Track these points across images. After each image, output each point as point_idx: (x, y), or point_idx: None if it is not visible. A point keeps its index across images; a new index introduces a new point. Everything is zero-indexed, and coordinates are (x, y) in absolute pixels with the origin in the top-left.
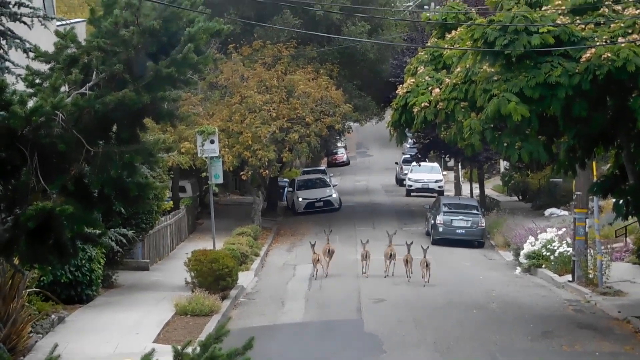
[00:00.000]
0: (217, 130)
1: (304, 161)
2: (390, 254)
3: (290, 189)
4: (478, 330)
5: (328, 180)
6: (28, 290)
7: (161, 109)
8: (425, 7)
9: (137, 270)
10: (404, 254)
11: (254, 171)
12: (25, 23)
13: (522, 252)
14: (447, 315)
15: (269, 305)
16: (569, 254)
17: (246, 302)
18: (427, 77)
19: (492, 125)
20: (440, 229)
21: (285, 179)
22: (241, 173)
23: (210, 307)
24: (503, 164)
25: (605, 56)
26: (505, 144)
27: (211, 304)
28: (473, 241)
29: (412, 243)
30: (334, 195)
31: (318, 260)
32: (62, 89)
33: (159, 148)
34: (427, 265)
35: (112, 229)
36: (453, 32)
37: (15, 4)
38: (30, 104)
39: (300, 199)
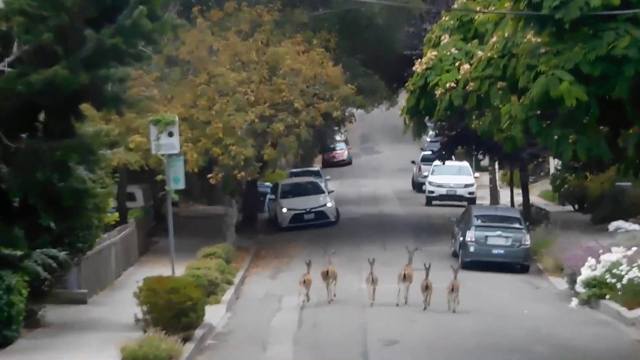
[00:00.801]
0: (177, 119)
1: (292, 160)
2: (405, 275)
3: (273, 197)
4: None
5: (322, 184)
6: None
7: (104, 91)
8: None
9: (72, 303)
10: (422, 279)
11: (226, 173)
12: None
13: (579, 279)
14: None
15: (246, 349)
16: None
17: (216, 346)
18: (453, 50)
19: (538, 113)
20: (472, 249)
21: (268, 184)
22: (209, 176)
23: (169, 353)
24: (553, 164)
25: None
26: (555, 137)
27: (170, 348)
28: (514, 264)
29: (430, 266)
30: (329, 205)
31: (305, 282)
32: None
33: (100, 143)
34: (453, 290)
35: (39, 250)
36: None
37: None
38: None
39: (284, 210)
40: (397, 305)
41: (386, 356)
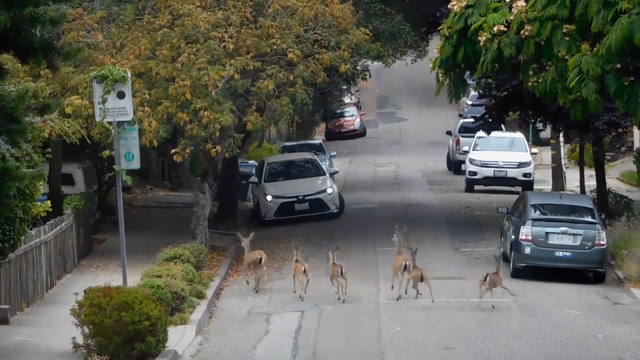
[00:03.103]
0: (129, 75)
1: (286, 131)
2: (406, 266)
3: (257, 180)
4: None
5: (324, 164)
6: None
7: (30, 37)
8: None
9: None
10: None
11: (196, 148)
12: None
13: None
14: None
15: None
16: None
17: None
18: None
19: (618, 66)
20: (527, 250)
21: (252, 162)
22: (173, 151)
23: None
24: (638, 135)
25: None
26: None
27: None
28: (585, 271)
29: (416, 250)
30: (330, 191)
31: (305, 271)
32: None
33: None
34: (422, 279)
35: None
36: None
37: None
38: None
39: (268, 198)
40: (399, 298)
41: None
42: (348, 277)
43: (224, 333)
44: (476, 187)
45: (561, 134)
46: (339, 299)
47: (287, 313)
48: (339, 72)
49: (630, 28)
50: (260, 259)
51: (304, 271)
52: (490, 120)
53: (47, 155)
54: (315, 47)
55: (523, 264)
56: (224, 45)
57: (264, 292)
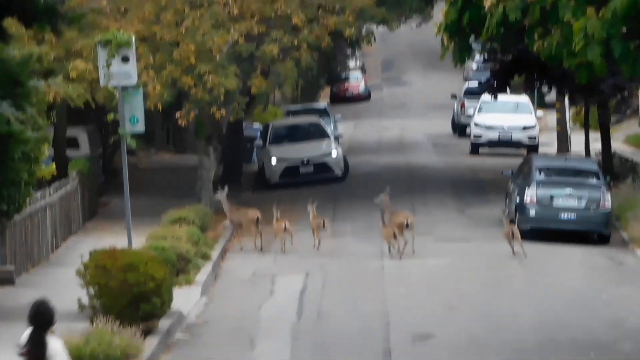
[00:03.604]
0: (134, 39)
1: (290, 94)
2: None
3: (262, 143)
4: None
5: (329, 127)
6: None
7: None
8: None
9: None
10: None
11: (200, 111)
12: None
13: None
14: None
15: (227, 346)
16: None
17: (187, 342)
18: None
19: (624, 30)
20: (532, 213)
21: (257, 126)
22: (178, 115)
23: (124, 350)
24: None
25: None
26: None
27: (126, 344)
28: (590, 233)
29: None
30: (334, 155)
31: (323, 225)
32: None
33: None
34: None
35: None
36: None
37: None
38: None
39: (273, 161)
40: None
41: (416, 356)
42: (329, 229)
43: (229, 294)
44: (481, 150)
45: (566, 97)
46: (317, 249)
47: (292, 274)
48: (343, 37)
49: None
50: (257, 219)
51: (322, 225)
52: (494, 84)
53: (52, 118)
54: (320, 11)
55: (528, 226)
56: (228, 9)
57: (269, 254)
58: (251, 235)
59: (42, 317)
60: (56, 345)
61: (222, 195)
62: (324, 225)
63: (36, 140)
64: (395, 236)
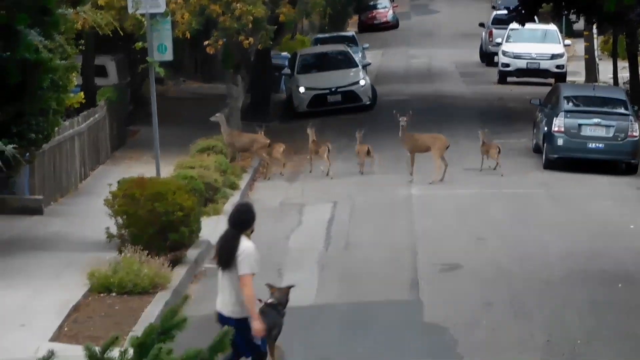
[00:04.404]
0: None
1: (318, 23)
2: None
3: (290, 72)
4: (626, 322)
5: (357, 56)
6: None
7: None
8: None
9: (23, 214)
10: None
11: (229, 40)
12: None
13: None
14: (569, 294)
15: (255, 276)
16: None
17: (216, 271)
18: None
19: None
20: (560, 142)
21: (285, 54)
22: (206, 43)
23: (152, 280)
24: None
25: None
26: None
27: (154, 273)
28: (618, 162)
29: (362, 131)
30: (362, 83)
31: (369, 153)
32: None
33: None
34: (368, 153)
35: None
36: None
37: None
38: None
39: (301, 90)
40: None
41: (443, 286)
42: (331, 157)
43: (257, 224)
44: (509, 79)
45: (594, 26)
46: (310, 171)
47: (320, 204)
48: None
49: None
50: (268, 145)
51: (368, 153)
52: (523, 11)
53: (80, 47)
54: None
55: (555, 156)
56: None
57: (296, 184)
58: (265, 160)
59: (240, 218)
60: (247, 246)
61: (220, 117)
62: (369, 153)
63: (64, 68)
64: (368, 153)
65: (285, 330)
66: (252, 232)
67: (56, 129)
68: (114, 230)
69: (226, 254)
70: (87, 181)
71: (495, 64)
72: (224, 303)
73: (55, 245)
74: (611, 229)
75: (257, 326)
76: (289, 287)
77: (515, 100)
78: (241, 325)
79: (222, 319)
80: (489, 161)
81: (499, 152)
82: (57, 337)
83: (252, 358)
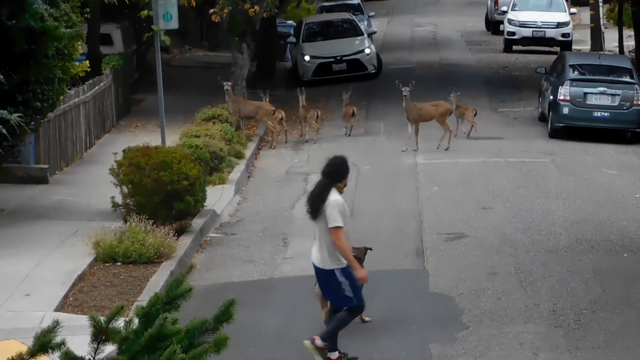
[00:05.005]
0: None
1: None
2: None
3: (295, 40)
4: (631, 291)
5: (361, 24)
6: None
7: None
8: None
9: (28, 183)
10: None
11: (234, 8)
12: None
13: None
14: (575, 262)
15: (260, 245)
16: None
17: (221, 240)
18: None
19: None
20: (565, 110)
21: (290, 22)
22: (211, 11)
23: (157, 249)
24: None
25: None
26: None
27: (159, 242)
28: (623, 131)
29: (349, 92)
30: (368, 52)
31: (353, 114)
32: None
33: None
34: (353, 115)
35: None
36: None
37: None
38: None
39: (306, 58)
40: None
41: (447, 253)
42: (322, 121)
43: (262, 193)
44: (514, 47)
45: None
46: (307, 141)
47: None
48: None
49: None
50: (274, 112)
51: (352, 114)
52: None
53: (86, 15)
54: None
55: (561, 124)
56: None
57: (302, 152)
58: (270, 127)
59: (333, 169)
60: (334, 199)
61: (226, 85)
62: (353, 114)
63: (70, 36)
64: (353, 113)
65: (285, 304)
66: (344, 186)
67: (61, 97)
68: (119, 199)
69: (314, 204)
70: (92, 150)
71: (501, 33)
72: (315, 253)
73: (61, 214)
74: (617, 197)
75: (360, 274)
76: (366, 248)
77: (521, 69)
78: (328, 275)
79: (315, 269)
80: (463, 125)
81: (475, 114)
82: (62, 306)
83: (347, 308)
